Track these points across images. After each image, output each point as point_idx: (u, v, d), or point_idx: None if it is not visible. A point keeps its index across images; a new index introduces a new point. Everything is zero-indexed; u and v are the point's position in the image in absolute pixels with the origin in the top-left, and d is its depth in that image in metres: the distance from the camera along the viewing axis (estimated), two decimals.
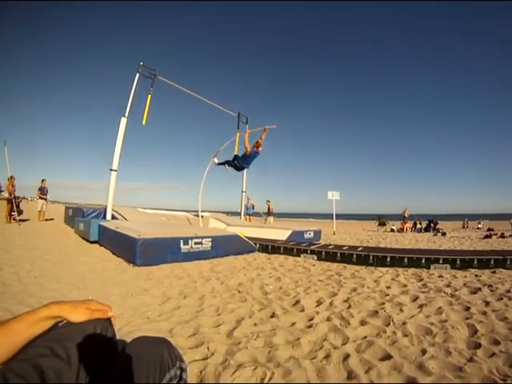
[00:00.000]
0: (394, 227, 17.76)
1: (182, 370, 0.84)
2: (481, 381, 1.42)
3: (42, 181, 11.30)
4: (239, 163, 7.23)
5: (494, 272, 3.96)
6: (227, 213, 13.49)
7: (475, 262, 4.28)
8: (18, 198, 10.61)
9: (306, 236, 8.74)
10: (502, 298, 2.70)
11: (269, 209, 14.64)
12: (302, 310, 2.48)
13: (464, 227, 21.32)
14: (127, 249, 4.57)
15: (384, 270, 4.27)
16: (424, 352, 1.71)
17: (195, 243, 4.92)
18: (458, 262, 4.31)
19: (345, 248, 5.56)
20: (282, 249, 5.74)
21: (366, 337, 1.95)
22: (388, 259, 4.59)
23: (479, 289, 3.06)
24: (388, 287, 3.25)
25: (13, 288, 2.90)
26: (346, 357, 1.66)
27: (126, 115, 7.50)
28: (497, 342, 1.81)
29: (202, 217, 9.19)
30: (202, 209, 9.22)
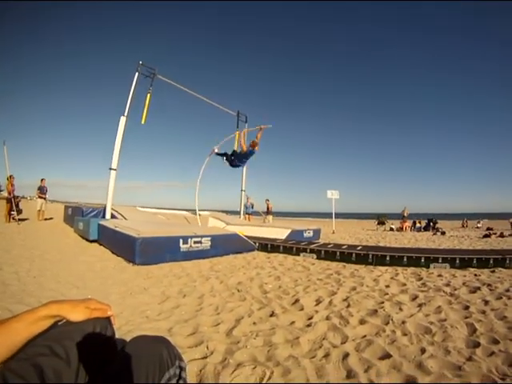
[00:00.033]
0: (393, 226, 17.77)
1: (182, 368, 0.84)
2: (480, 380, 1.42)
3: (42, 180, 11.29)
4: (235, 160, 7.41)
5: (493, 271, 3.97)
6: (227, 212, 13.49)
7: (474, 262, 4.29)
8: (18, 197, 10.59)
9: (305, 235, 8.75)
10: (501, 297, 2.71)
11: (268, 208, 14.66)
12: (302, 309, 2.48)
13: (463, 226, 21.35)
14: (126, 248, 4.56)
15: (383, 269, 4.28)
16: (423, 351, 1.71)
17: (194, 242, 4.92)
18: (458, 261, 4.31)
19: (344, 247, 5.56)
20: (281, 248, 5.74)
21: (365, 336, 1.96)
22: (387, 258, 4.60)
23: (478, 288, 3.07)
24: (387, 286, 3.26)
25: (12, 287, 2.90)
26: (346, 356, 1.66)
27: (126, 114, 7.48)
28: (496, 341, 1.82)
29: (200, 215, 9.19)
30: (202, 208, 9.22)
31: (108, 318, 0.86)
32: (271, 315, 2.35)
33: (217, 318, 2.25)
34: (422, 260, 4.41)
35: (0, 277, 3.25)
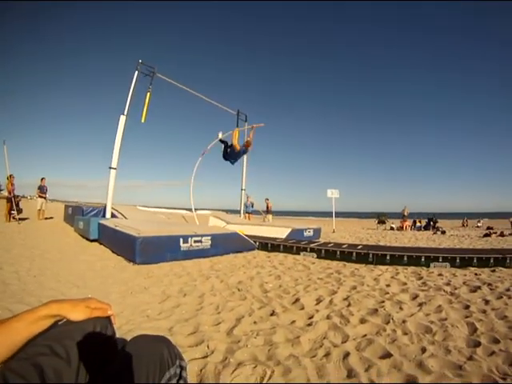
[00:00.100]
0: (393, 225, 17.78)
1: (182, 368, 0.84)
2: (481, 379, 1.42)
3: (42, 179, 11.27)
4: (229, 155, 7.55)
5: (493, 270, 3.97)
6: (227, 211, 13.49)
7: (475, 261, 4.29)
8: (18, 196, 10.60)
9: (305, 234, 8.75)
10: (501, 297, 2.71)
11: (267, 207, 14.68)
12: (302, 308, 2.48)
13: (463, 226, 21.36)
14: (127, 247, 4.56)
15: (384, 268, 4.28)
16: (424, 350, 1.71)
17: (195, 241, 4.92)
18: (458, 261, 4.31)
19: (344, 246, 5.56)
20: (281, 247, 5.74)
21: (365, 335, 1.96)
22: (388, 257, 4.60)
23: (479, 287, 3.07)
24: (388, 285, 3.25)
25: (12, 287, 2.90)
26: (346, 355, 1.66)
27: (125, 113, 7.47)
28: (496, 341, 1.82)
29: (196, 210, 9.17)
30: (202, 207, 9.22)
31: (108, 318, 0.86)
32: (272, 314, 2.35)
33: (217, 317, 2.25)
34: (423, 259, 4.42)
35: (0, 276, 3.26)
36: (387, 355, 1.66)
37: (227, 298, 2.77)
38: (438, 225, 16.95)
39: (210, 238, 5.14)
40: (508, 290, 2.96)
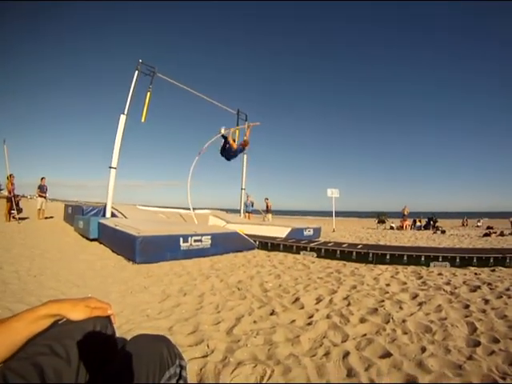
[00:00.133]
0: (393, 225, 17.78)
1: (182, 367, 0.84)
2: (480, 379, 1.42)
3: (42, 179, 11.27)
4: (226, 152, 7.62)
5: (493, 270, 3.97)
6: (227, 210, 13.50)
7: (475, 260, 4.29)
8: (18, 196, 10.59)
9: (305, 233, 8.76)
10: (501, 296, 2.71)
11: (267, 206, 14.71)
12: (302, 308, 2.48)
13: (463, 225, 21.36)
14: (127, 246, 4.57)
15: (383, 267, 4.28)
16: (424, 350, 1.71)
17: (195, 241, 4.93)
18: (458, 260, 4.31)
19: (344, 245, 5.56)
20: (281, 246, 5.74)
21: (365, 334, 1.96)
22: (387, 257, 4.60)
23: (479, 287, 3.07)
24: (387, 285, 3.25)
25: (12, 286, 2.90)
26: (346, 354, 1.66)
27: (126, 113, 7.47)
28: (496, 340, 1.82)
29: (194, 210, 9.17)
30: (202, 206, 9.21)
31: (108, 317, 0.86)
32: (271, 314, 2.35)
33: (217, 317, 2.25)
34: (422, 259, 4.42)
35: (0, 275, 3.26)
36: (387, 355, 1.66)
37: (227, 297, 2.77)
38: (437, 224, 16.96)
39: (209, 237, 5.14)
40: (508, 289, 2.96)
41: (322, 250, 5.19)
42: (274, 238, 6.57)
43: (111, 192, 7.35)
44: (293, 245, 5.62)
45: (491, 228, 14.99)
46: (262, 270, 3.98)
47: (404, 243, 8.81)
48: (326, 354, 1.68)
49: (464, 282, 3.30)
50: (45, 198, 11.07)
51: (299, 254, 5.37)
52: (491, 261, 4.24)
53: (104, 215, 7.46)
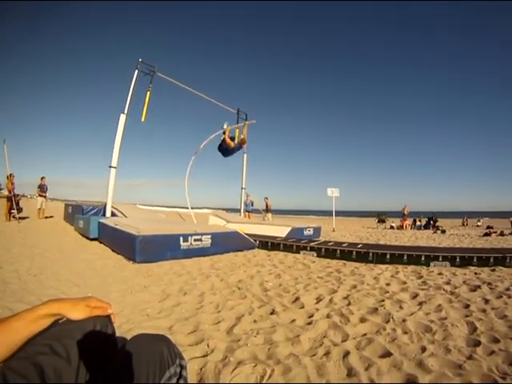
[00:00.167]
0: (393, 224, 17.79)
1: (182, 367, 0.84)
2: (480, 379, 1.42)
3: (42, 178, 11.26)
4: (224, 149, 7.80)
5: (493, 270, 3.97)
6: (227, 209, 13.50)
7: (475, 260, 4.29)
8: (18, 195, 10.59)
9: (305, 233, 8.76)
10: (501, 296, 2.71)
11: (267, 206, 14.73)
12: (302, 307, 2.48)
13: (463, 225, 21.37)
14: (127, 246, 4.57)
15: (384, 267, 4.28)
16: (424, 349, 1.71)
17: (195, 240, 4.92)
18: (458, 260, 4.31)
19: (344, 245, 5.57)
20: (281, 245, 5.75)
21: (365, 334, 1.96)
22: (388, 256, 4.60)
23: (479, 286, 3.07)
24: (388, 284, 3.26)
25: (12, 286, 2.90)
26: (346, 354, 1.66)
27: (125, 112, 7.47)
28: (496, 340, 1.82)
29: (194, 209, 9.18)
30: (202, 206, 9.21)
31: (108, 317, 0.86)
32: (272, 313, 2.35)
33: (217, 316, 2.25)
34: (423, 258, 4.42)
35: (0, 275, 3.26)
36: (387, 354, 1.66)
37: (227, 296, 2.77)
38: (437, 224, 16.96)
39: (210, 236, 5.14)
40: (508, 289, 2.97)
41: (322, 250, 5.19)
42: (274, 238, 6.58)
43: (111, 191, 7.35)
44: (293, 244, 5.62)
45: (491, 228, 15.00)
46: (262, 270, 3.98)
47: (404, 243, 8.81)
48: (326, 354, 1.68)
49: (464, 282, 3.30)
50: (45, 197, 11.07)
51: (299, 253, 5.37)
52: (491, 260, 4.25)
53: (104, 214, 7.46)
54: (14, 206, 9.60)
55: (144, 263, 4.20)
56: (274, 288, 3.07)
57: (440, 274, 3.82)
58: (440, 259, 4.34)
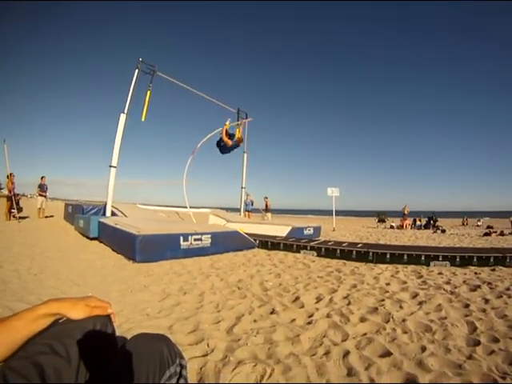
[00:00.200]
0: (393, 224, 17.79)
1: (182, 367, 0.84)
2: (480, 378, 1.42)
3: (42, 178, 11.26)
4: (222, 147, 8.04)
5: (493, 270, 3.97)
6: (227, 209, 13.51)
7: (475, 260, 4.30)
8: (18, 195, 10.59)
9: (305, 232, 8.76)
10: (501, 296, 2.71)
11: (266, 205, 14.75)
12: (302, 307, 2.48)
13: (463, 224, 21.37)
14: (127, 245, 4.57)
15: (384, 266, 4.28)
16: (424, 349, 1.71)
17: (195, 239, 4.92)
18: (458, 260, 4.32)
19: (344, 244, 5.56)
20: (281, 245, 5.75)
21: (365, 333, 1.96)
22: (388, 256, 4.60)
23: (479, 286, 3.07)
24: (388, 284, 3.26)
25: (13, 285, 2.90)
26: (346, 353, 1.67)
27: (126, 112, 7.46)
28: (496, 340, 1.82)
29: (195, 208, 9.18)
30: (202, 205, 9.21)
31: (108, 316, 0.86)
32: (272, 313, 2.35)
33: (217, 316, 2.25)
34: (423, 258, 4.42)
35: (0, 274, 3.26)
36: (387, 354, 1.66)
37: (227, 296, 2.77)
38: (438, 223, 16.97)
39: (210, 236, 5.14)
40: (508, 289, 2.97)
41: (322, 249, 5.19)
42: (274, 237, 6.57)
43: (111, 191, 7.35)
44: (293, 244, 5.62)
45: (491, 227, 15.00)
46: (262, 269, 3.98)
47: (404, 242, 8.81)
48: (326, 353, 1.68)
49: (464, 282, 3.30)
50: (45, 196, 11.07)
51: (299, 252, 5.37)
52: (491, 260, 4.25)
53: (104, 214, 7.46)
54: (14, 205, 9.60)
55: (144, 263, 4.20)
56: (273, 287, 3.07)
57: (440, 273, 3.82)
58: (440, 259, 4.34)
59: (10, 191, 9.86)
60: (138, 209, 9.57)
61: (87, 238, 6.32)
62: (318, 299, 2.69)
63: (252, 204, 13.95)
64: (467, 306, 2.47)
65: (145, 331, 0.91)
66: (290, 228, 8.29)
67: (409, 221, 17.88)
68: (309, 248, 5.35)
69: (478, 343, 1.78)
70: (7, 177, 10.02)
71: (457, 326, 2.03)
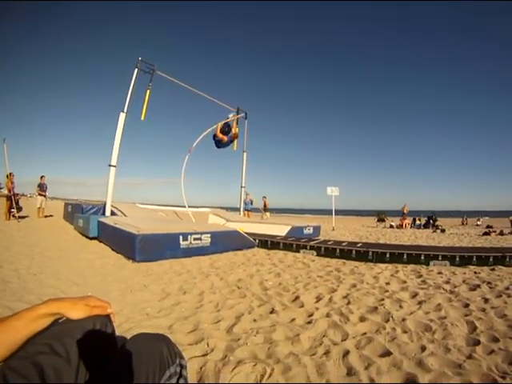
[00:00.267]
0: (393, 223, 17.81)
1: (182, 366, 0.84)
2: (480, 378, 1.42)
3: (41, 177, 11.25)
4: (218, 141, 8.25)
5: (492, 269, 3.97)
6: (226, 208, 13.52)
7: (474, 259, 4.30)
8: (17, 194, 10.58)
9: (305, 232, 8.76)
10: (500, 295, 2.71)
11: (265, 204, 14.79)
12: (302, 306, 2.48)
13: (463, 224, 21.40)
14: (126, 245, 4.56)
15: (383, 266, 4.28)
16: (423, 349, 1.71)
17: (194, 239, 4.92)
18: (457, 259, 4.32)
19: (344, 244, 5.57)
20: (281, 244, 5.75)
21: (365, 333, 1.96)
22: (387, 255, 4.60)
23: (478, 286, 3.07)
24: (387, 283, 3.26)
25: (12, 285, 2.90)
26: (346, 353, 1.67)
27: (125, 111, 7.46)
28: (496, 340, 1.82)
29: (194, 208, 9.18)
30: (202, 205, 9.22)
31: (108, 316, 0.86)
32: (271, 312, 2.35)
33: (217, 315, 2.25)
34: (422, 257, 4.42)
35: (0, 274, 3.25)
36: (387, 353, 1.66)
37: (227, 295, 2.77)
38: (437, 223, 17.00)
39: (209, 235, 5.14)
40: (507, 288, 2.97)
41: (322, 249, 5.19)
42: (274, 237, 6.57)
43: (111, 190, 7.34)
44: (293, 243, 5.62)
45: (491, 227, 15.02)
46: (262, 269, 3.98)
47: (404, 242, 8.81)
48: (326, 353, 1.68)
49: (464, 281, 3.31)
50: (44, 196, 11.06)
51: (299, 252, 5.37)
52: (491, 260, 4.25)
53: (104, 213, 7.46)
54: (14, 205, 9.59)
55: (144, 262, 4.19)
56: (273, 287, 3.07)
57: (440, 273, 3.82)
58: (440, 258, 4.35)
59: (9, 191, 9.85)
60: (138, 208, 9.56)
61: (87, 237, 6.31)
62: (318, 299, 2.69)
63: (252, 203, 13.96)
64: (467, 305, 2.47)
65: (144, 331, 0.91)
66: (289, 227, 8.29)
67: (408, 220, 17.90)
68: (308, 247, 5.35)
69: (477, 343, 1.78)
70: (7, 176, 10.00)
71: (456, 326, 2.03)
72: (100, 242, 5.95)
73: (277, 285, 3.17)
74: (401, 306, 2.46)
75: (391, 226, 17.47)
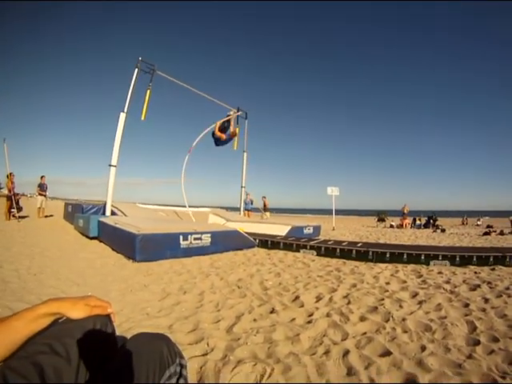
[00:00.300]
0: (393, 223, 17.81)
1: (182, 366, 0.84)
2: (480, 378, 1.42)
3: (42, 177, 11.24)
4: (217, 139, 8.31)
5: (493, 269, 3.97)
6: (226, 208, 13.53)
7: (474, 259, 4.30)
8: (18, 194, 10.58)
9: (305, 231, 8.76)
10: (501, 295, 2.71)
11: (265, 204, 14.81)
12: (302, 306, 2.48)
13: (463, 224, 21.39)
14: (126, 244, 4.57)
15: (383, 265, 4.28)
16: (423, 348, 1.71)
17: (194, 239, 4.92)
18: (458, 259, 4.32)
19: (344, 244, 5.57)
20: (281, 244, 5.75)
21: (365, 333, 1.96)
22: (387, 255, 4.60)
23: (478, 286, 3.07)
24: (387, 283, 3.26)
25: (12, 285, 2.90)
26: (346, 353, 1.67)
27: (125, 111, 7.46)
28: (496, 339, 1.82)
29: (194, 207, 9.19)
30: (202, 204, 9.23)
31: (108, 316, 0.86)
32: (271, 312, 2.35)
33: (217, 315, 2.25)
34: (422, 257, 4.42)
35: (0, 274, 3.25)
36: (387, 353, 1.66)
37: (227, 295, 2.77)
38: (437, 223, 16.99)
39: (209, 235, 5.14)
40: (507, 288, 2.97)
41: (322, 249, 5.19)
42: (274, 236, 6.58)
43: (111, 190, 7.35)
44: (293, 243, 5.62)
45: (491, 227, 15.01)
46: (262, 268, 3.98)
47: (404, 242, 8.81)
48: (326, 353, 1.68)
49: (464, 281, 3.30)
50: (45, 196, 11.06)
51: (299, 252, 5.37)
52: (491, 260, 4.25)
53: (104, 213, 7.46)
54: (14, 204, 9.60)
55: (144, 262, 4.20)
56: (273, 287, 3.08)
57: (440, 272, 3.82)
58: (440, 258, 4.35)
59: (9, 191, 9.85)
60: (138, 208, 9.57)
61: (87, 237, 6.32)
62: (318, 298, 2.69)
63: (252, 203, 13.97)
64: (467, 305, 2.47)
65: (145, 330, 0.91)
66: (289, 227, 8.29)
67: (408, 220, 17.90)
68: (308, 247, 5.35)
69: (477, 343, 1.78)
70: (7, 176, 10.00)
71: (456, 326, 2.03)
72: (100, 241, 5.95)
73: (277, 284, 3.17)
74: (401, 306, 2.46)
75: (391, 226, 17.47)
